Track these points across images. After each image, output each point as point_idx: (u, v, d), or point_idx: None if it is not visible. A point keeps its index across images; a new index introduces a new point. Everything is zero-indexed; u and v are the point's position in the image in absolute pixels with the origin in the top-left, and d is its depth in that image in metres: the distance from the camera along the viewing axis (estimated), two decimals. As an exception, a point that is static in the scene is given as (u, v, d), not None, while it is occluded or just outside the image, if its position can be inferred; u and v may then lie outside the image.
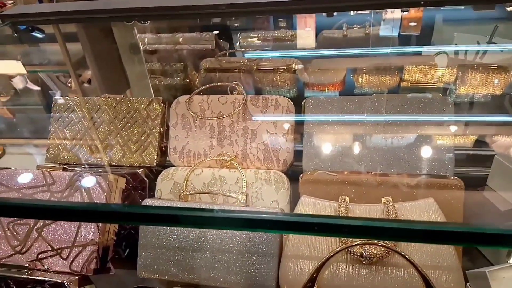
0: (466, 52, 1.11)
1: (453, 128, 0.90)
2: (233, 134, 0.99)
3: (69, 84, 1.66)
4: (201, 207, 0.85)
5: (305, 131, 0.97)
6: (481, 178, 1.02)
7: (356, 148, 0.93)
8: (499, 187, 0.95)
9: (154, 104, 1.06)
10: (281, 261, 0.76)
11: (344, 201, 0.80)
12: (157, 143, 1.04)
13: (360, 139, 0.93)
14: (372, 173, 0.90)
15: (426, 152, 0.89)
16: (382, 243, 0.68)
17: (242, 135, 0.99)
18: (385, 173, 0.89)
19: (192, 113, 1.02)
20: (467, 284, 0.78)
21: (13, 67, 1.58)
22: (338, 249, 0.69)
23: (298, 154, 0.98)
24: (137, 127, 1.05)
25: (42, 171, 0.93)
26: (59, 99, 1.13)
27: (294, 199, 0.90)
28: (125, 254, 1.00)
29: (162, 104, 1.05)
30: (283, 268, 0.75)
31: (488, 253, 0.92)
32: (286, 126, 0.97)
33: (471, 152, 1.11)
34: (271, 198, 0.91)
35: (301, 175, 0.92)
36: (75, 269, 0.81)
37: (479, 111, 1.17)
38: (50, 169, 0.95)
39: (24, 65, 1.56)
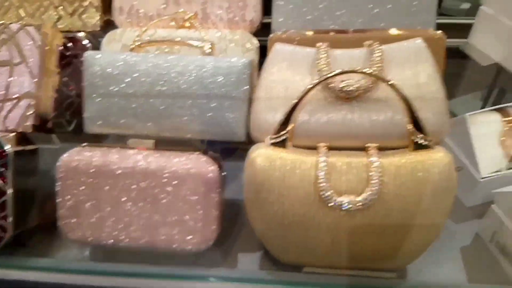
0: None
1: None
2: (191, -11, 0.85)
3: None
4: None
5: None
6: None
7: (333, 6, 0.83)
8: (481, 43, 0.89)
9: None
10: (252, 106, 0.68)
11: (323, 45, 0.70)
12: (99, 3, 0.90)
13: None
14: (352, 30, 0.80)
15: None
16: (365, 70, 0.61)
17: (202, -11, 0.85)
18: (364, 29, 0.81)
19: (139, -41, 0.86)
20: None
21: None
22: (316, 81, 0.62)
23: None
24: (73, -20, 0.88)
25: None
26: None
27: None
28: (71, 127, 0.88)
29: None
30: (254, 113, 0.67)
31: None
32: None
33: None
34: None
35: (271, 35, 0.81)
36: (10, 125, 0.68)
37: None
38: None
39: None
